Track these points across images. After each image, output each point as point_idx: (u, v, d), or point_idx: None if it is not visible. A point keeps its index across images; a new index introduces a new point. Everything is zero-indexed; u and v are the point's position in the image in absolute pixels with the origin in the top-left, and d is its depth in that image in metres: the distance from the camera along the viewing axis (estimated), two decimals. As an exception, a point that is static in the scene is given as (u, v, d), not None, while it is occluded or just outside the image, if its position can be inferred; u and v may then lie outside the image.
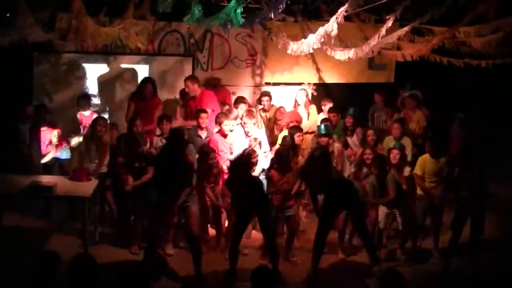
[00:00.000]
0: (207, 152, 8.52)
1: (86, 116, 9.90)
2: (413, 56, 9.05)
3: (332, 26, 7.35)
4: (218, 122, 9.10)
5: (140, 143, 8.50)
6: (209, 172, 8.52)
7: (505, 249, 8.81)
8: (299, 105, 10.73)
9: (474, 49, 8.97)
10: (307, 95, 10.86)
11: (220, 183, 8.70)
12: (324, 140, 9.13)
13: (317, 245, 8.03)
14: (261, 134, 9.45)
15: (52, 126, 9.54)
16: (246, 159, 8.21)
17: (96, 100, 10.93)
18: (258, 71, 11.64)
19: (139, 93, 10.04)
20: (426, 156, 8.58)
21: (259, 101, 10.85)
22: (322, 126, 9.29)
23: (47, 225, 9.08)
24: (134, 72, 11.09)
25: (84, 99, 10.17)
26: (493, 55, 9.19)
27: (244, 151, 8.57)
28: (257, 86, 11.50)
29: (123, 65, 11.08)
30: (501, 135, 11.11)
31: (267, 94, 10.75)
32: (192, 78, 10.21)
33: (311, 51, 8.35)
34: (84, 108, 10.01)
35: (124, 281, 5.22)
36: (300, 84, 11.42)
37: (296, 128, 9.34)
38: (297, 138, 9.02)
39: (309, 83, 11.35)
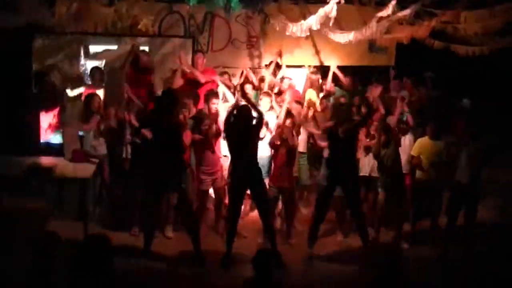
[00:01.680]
0: (201, 118, 8.50)
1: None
2: (407, 39, 8.97)
3: (332, 7, 7.31)
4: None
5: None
6: (204, 140, 8.50)
7: (502, 234, 8.84)
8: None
9: (468, 35, 8.90)
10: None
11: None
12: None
13: (313, 227, 8.06)
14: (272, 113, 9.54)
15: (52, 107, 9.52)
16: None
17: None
18: (258, 53, 11.61)
19: (134, 66, 10.08)
20: (425, 138, 8.60)
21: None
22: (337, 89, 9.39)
23: (45, 206, 9.09)
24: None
25: (98, 71, 10.19)
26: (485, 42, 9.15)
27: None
28: (257, 68, 11.46)
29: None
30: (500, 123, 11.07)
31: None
32: (202, 52, 10.41)
33: (308, 33, 8.33)
34: (98, 81, 10.03)
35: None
36: (300, 66, 11.40)
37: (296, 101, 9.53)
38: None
39: (309, 66, 11.33)
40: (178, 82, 9.91)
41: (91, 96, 9.09)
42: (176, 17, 11.14)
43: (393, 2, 7.76)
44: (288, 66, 11.28)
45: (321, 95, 10.38)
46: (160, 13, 10.92)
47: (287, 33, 8.69)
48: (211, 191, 8.82)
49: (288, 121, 8.47)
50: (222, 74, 10.52)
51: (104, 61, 10.77)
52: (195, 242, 7.82)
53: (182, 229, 8.52)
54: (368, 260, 7.72)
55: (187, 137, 8.35)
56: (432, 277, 7.62)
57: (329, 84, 10.63)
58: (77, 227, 8.03)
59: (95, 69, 10.23)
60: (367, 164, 8.69)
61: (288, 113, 8.57)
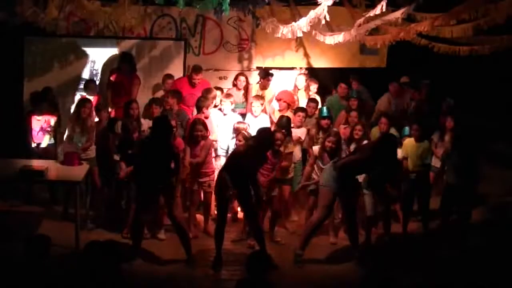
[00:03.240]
0: (196, 123, 8.54)
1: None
2: (389, 40, 8.95)
3: (322, 9, 7.31)
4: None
5: (131, 130, 8.47)
6: (195, 144, 8.54)
7: (493, 234, 8.89)
8: (299, 89, 10.82)
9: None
10: (306, 79, 10.91)
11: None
12: (326, 122, 9.08)
13: (313, 229, 8.06)
14: (263, 117, 9.62)
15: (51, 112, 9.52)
16: None
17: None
18: (249, 56, 11.64)
19: (119, 68, 10.23)
20: (411, 139, 8.67)
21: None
22: (324, 109, 9.31)
23: (36, 209, 9.12)
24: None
25: (92, 83, 10.22)
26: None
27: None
28: (248, 70, 11.47)
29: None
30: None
31: (270, 74, 10.81)
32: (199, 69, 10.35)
33: (300, 34, 8.35)
34: (92, 92, 10.02)
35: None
36: (291, 69, 11.44)
37: (299, 108, 9.53)
38: (297, 118, 9.24)
39: (300, 68, 11.36)
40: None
41: (83, 102, 9.07)
42: (168, 20, 11.17)
43: (383, 3, 7.75)
44: (278, 68, 11.32)
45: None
46: (151, 15, 10.94)
47: (277, 35, 8.71)
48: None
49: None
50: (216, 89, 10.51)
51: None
52: (184, 243, 7.83)
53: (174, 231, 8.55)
54: (359, 261, 7.76)
55: (180, 144, 8.53)
56: (423, 277, 7.63)
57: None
58: (69, 230, 8.04)
59: (89, 81, 10.26)
60: None
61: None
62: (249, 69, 11.51)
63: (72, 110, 9.66)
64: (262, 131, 7.98)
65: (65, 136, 9.13)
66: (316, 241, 8.42)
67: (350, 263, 7.98)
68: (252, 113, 9.59)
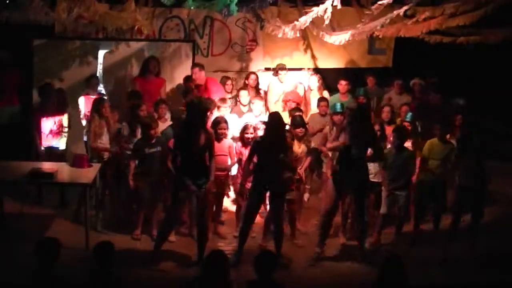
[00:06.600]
0: (219, 121, 8.52)
1: (92, 98, 9.82)
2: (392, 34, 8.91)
3: (325, 8, 7.31)
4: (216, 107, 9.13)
5: (152, 126, 8.36)
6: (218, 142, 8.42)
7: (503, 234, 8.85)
8: (311, 90, 10.83)
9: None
10: (319, 80, 10.92)
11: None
12: (339, 118, 8.94)
13: (324, 223, 8.06)
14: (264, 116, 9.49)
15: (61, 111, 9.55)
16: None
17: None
18: (258, 57, 11.64)
19: (143, 71, 10.18)
20: (435, 139, 8.61)
21: (276, 74, 10.94)
22: (338, 105, 9.27)
23: (46, 212, 9.13)
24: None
25: (95, 79, 10.19)
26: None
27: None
28: (257, 71, 11.46)
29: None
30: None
31: (284, 67, 10.86)
32: (200, 65, 10.30)
33: (298, 34, 8.34)
34: (94, 88, 10.00)
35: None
36: (300, 69, 11.43)
37: (296, 109, 9.49)
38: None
39: (308, 69, 11.36)
40: None
41: (101, 101, 9.04)
42: (176, 21, 11.19)
43: (384, 4, 7.76)
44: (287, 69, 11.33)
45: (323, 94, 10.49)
46: (159, 17, 10.96)
47: (279, 35, 8.71)
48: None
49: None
50: (224, 79, 10.54)
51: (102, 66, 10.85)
52: (201, 244, 7.81)
53: (184, 233, 8.53)
54: (370, 262, 7.74)
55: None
56: (435, 279, 7.60)
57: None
58: (79, 232, 8.07)
59: (91, 76, 10.23)
60: (372, 168, 8.64)
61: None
62: (259, 70, 11.50)
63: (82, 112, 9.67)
64: (272, 114, 8.04)
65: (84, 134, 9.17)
66: (327, 242, 8.42)
67: (360, 264, 7.97)
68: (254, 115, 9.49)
